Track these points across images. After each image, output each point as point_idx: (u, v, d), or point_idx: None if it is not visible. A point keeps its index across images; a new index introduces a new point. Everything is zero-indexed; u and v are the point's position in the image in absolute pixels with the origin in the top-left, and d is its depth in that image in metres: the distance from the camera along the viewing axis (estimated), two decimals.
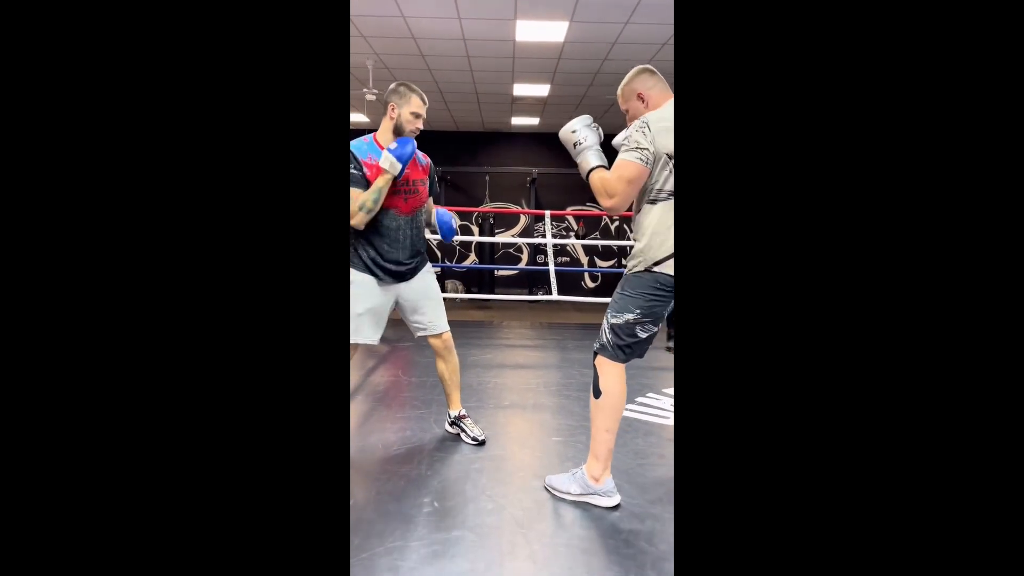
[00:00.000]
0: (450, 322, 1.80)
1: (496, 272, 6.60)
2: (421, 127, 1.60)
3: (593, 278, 6.93)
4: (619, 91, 1.38)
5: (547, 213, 4.89)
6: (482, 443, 1.77)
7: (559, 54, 4.32)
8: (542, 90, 5.18)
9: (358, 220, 1.54)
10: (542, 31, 3.90)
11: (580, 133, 1.35)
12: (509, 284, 6.80)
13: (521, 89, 5.17)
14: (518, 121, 6.29)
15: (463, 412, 1.85)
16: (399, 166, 1.53)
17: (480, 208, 6.36)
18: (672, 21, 3.58)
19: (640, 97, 1.33)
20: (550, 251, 4.80)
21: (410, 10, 3.51)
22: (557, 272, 4.40)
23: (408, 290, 1.70)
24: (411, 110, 1.58)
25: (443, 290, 4.70)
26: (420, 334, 1.76)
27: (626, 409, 2.10)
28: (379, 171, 1.55)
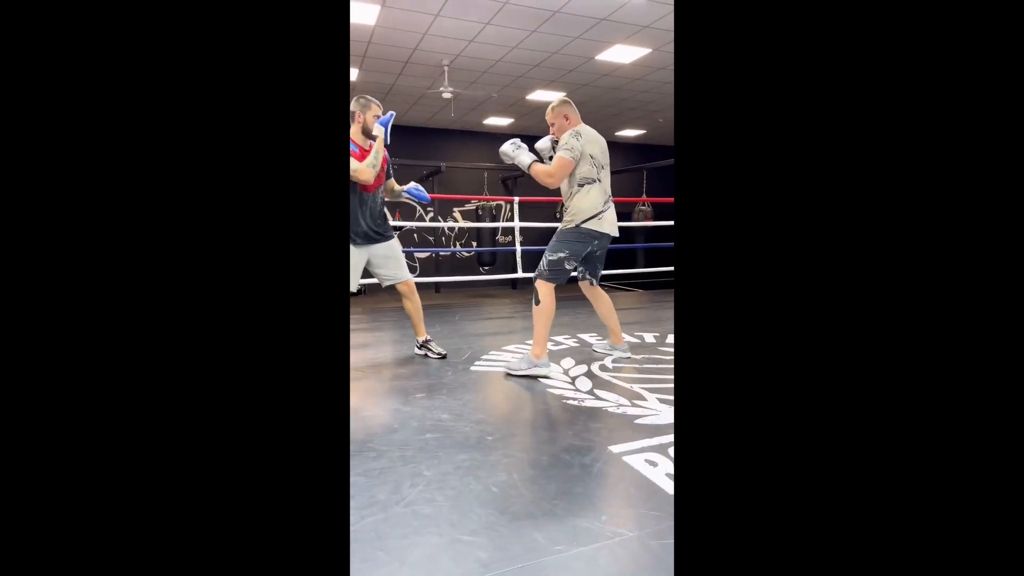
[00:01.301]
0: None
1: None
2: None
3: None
4: (549, 110, 2.30)
5: (516, 199, 5.27)
6: (444, 356, 2.53)
7: (369, 38, 4.26)
8: (350, 75, 5.00)
9: (368, 175, 2.22)
10: (352, 11, 3.79)
11: (515, 145, 2.29)
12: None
13: None
14: None
15: (428, 337, 2.61)
16: (382, 129, 2.29)
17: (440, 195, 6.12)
18: (481, 20, 3.92)
19: (565, 117, 2.28)
20: (517, 233, 5.22)
21: None
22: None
23: (376, 253, 2.41)
24: (373, 114, 2.32)
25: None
26: (388, 283, 2.48)
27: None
28: (362, 154, 2.29)
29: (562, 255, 2.21)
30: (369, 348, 2.86)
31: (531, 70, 5.08)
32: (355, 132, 2.32)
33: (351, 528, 1.09)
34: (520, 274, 4.88)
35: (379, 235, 2.40)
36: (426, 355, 2.56)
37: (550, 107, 2.30)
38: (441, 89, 5.03)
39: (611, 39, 4.36)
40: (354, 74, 4.99)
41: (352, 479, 1.31)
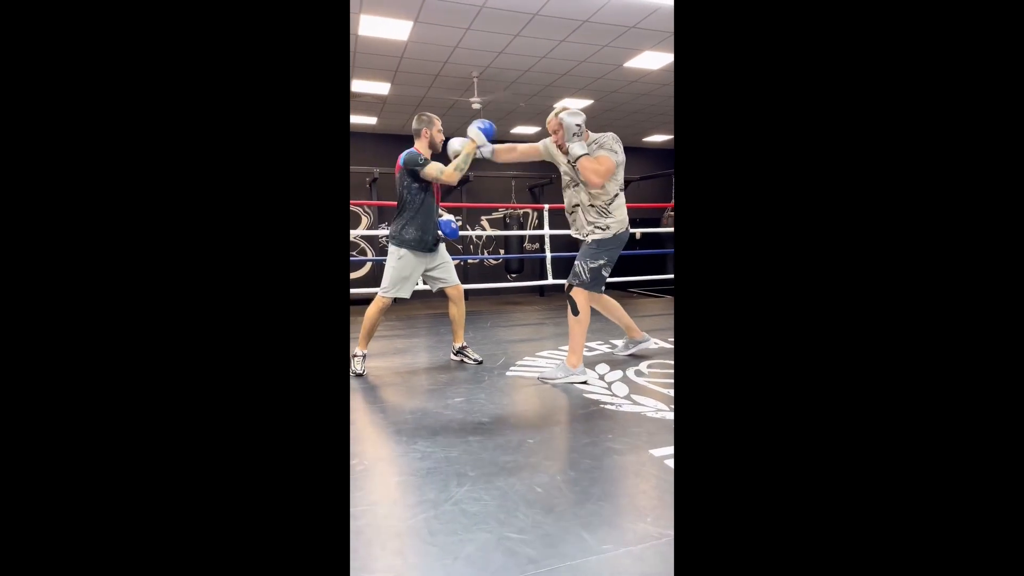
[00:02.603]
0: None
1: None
2: (444, 138, 2.46)
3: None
4: (553, 116, 2.19)
5: (546, 207, 5.33)
6: (480, 363, 2.60)
7: (402, 53, 4.39)
8: (382, 88, 5.15)
9: (455, 178, 2.32)
10: (386, 28, 3.92)
11: (583, 127, 2.12)
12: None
13: (360, 86, 5.06)
14: (356, 120, 6.09)
15: (465, 343, 2.68)
16: (484, 138, 2.30)
17: (468, 204, 6.27)
18: (510, 32, 4.00)
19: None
20: (547, 240, 5.31)
21: None
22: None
23: (431, 258, 2.50)
24: (437, 129, 2.42)
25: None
26: (439, 287, 2.56)
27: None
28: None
29: (602, 262, 2.21)
30: (407, 353, 2.93)
31: (559, 79, 5.13)
32: (422, 147, 2.40)
33: (404, 523, 1.14)
34: (550, 280, 4.90)
35: (437, 243, 2.51)
36: (462, 361, 2.63)
37: (554, 113, 2.20)
38: (472, 100, 5.14)
39: (640, 46, 4.37)
40: (386, 88, 5.14)
41: (401, 479, 1.36)
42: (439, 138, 2.42)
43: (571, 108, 2.13)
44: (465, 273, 6.94)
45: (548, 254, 4.98)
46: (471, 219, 7.43)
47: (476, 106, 5.17)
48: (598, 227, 2.21)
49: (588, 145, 2.14)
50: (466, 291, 6.24)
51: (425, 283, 2.59)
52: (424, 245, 2.41)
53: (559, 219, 7.05)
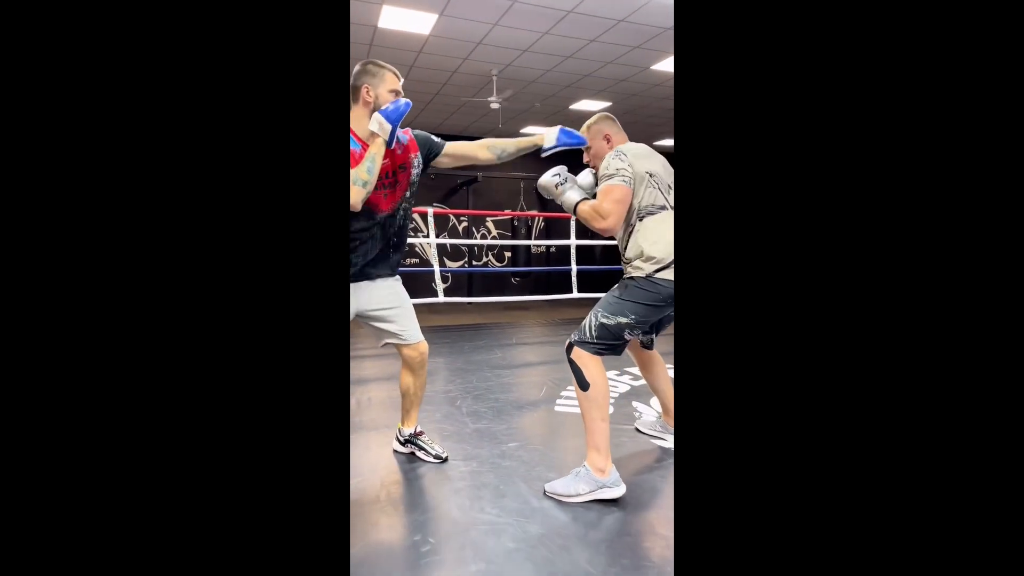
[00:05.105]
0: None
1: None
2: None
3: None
4: (585, 128, 1.59)
5: (572, 218, 4.88)
6: (444, 460, 1.65)
7: (420, 47, 4.14)
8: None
9: (357, 197, 1.31)
10: (408, 20, 3.67)
11: (560, 177, 1.55)
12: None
13: None
14: None
15: (420, 429, 1.71)
16: (389, 127, 1.31)
17: (465, 211, 5.94)
18: (539, 29, 3.77)
19: (606, 138, 1.56)
20: (574, 252, 5.13)
21: None
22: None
23: (375, 297, 1.51)
24: (388, 88, 1.40)
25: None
26: (387, 342, 1.58)
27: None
28: (363, 155, 1.36)
29: (624, 320, 1.39)
30: (436, 377, 2.68)
31: (581, 80, 4.92)
32: (358, 118, 1.38)
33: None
34: (575, 294, 4.68)
35: (381, 274, 1.53)
36: (413, 453, 1.68)
37: (586, 125, 1.58)
38: (490, 99, 4.90)
39: (672, 49, 4.18)
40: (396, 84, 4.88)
41: (481, 567, 1.15)
42: (387, 100, 1.37)
43: (549, 172, 1.55)
44: (470, 282, 6.70)
45: (574, 267, 4.76)
46: (477, 221, 7.20)
47: (494, 105, 4.94)
48: (632, 261, 1.44)
49: (599, 178, 1.49)
50: (470, 296, 6.01)
51: (374, 335, 1.58)
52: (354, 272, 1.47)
53: (583, 229, 6.86)
